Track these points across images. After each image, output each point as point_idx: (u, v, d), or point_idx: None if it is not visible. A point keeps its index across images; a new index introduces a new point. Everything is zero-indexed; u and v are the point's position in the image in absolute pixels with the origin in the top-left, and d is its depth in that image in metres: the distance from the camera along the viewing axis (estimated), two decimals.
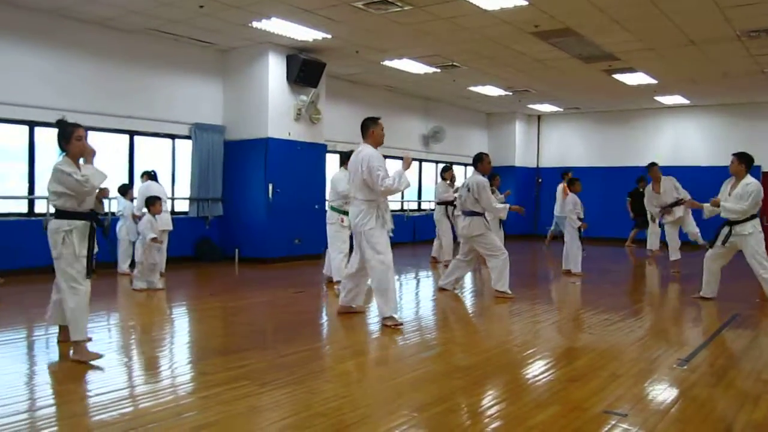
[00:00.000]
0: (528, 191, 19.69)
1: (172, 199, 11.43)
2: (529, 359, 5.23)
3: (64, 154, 4.87)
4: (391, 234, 6.51)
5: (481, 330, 6.58)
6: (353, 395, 4.15)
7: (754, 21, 9.33)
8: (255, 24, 10.02)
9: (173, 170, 11.71)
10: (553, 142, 20.13)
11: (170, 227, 9.30)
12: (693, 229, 11.00)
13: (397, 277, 9.66)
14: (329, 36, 10.54)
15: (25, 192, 9.67)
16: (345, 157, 8.67)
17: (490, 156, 8.54)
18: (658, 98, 16.29)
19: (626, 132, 18.52)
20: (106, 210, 9.23)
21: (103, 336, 5.84)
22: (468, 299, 8.43)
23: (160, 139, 11.39)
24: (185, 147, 11.71)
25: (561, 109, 18.84)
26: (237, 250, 11.72)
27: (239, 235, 11.86)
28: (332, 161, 12.56)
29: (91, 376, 4.50)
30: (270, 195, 11.51)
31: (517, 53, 11.58)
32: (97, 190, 4.99)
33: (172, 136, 11.53)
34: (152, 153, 11.31)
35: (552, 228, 15.48)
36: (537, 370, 4.91)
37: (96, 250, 5.06)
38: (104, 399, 3.99)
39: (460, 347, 5.69)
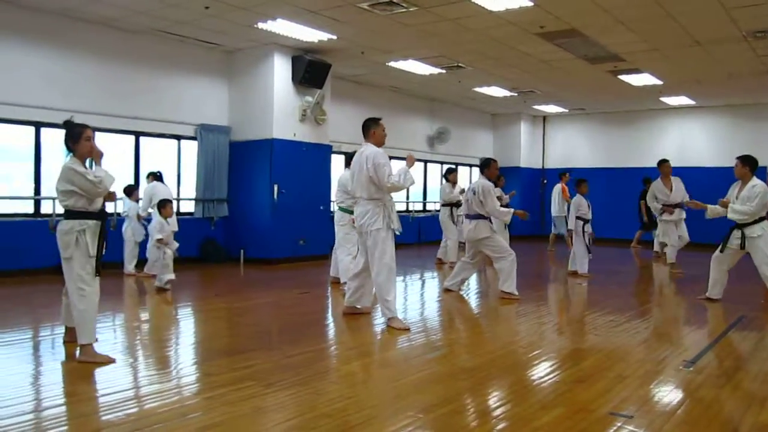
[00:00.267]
0: (533, 192, 19.66)
1: (178, 200, 11.45)
2: (535, 360, 5.22)
3: (71, 154, 4.88)
4: (398, 233, 6.50)
5: (486, 331, 6.58)
6: (358, 396, 4.15)
7: (760, 21, 9.29)
8: (260, 25, 10.03)
9: (179, 171, 11.73)
10: (559, 143, 20.10)
11: (175, 228, 9.32)
12: (684, 235, 11.05)
13: (402, 278, 9.69)
14: (334, 37, 10.55)
15: (31, 192, 9.70)
16: (350, 158, 8.67)
17: (496, 157, 8.54)
18: (664, 99, 16.24)
19: (631, 133, 18.47)
20: (111, 211, 9.27)
21: (109, 336, 5.85)
22: (473, 300, 8.42)
23: (166, 140, 11.41)
24: (191, 148, 11.73)
25: (566, 110, 18.80)
26: (242, 251, 11.73)
27: (244, 236, 11.87)
28: (337, 162, 12.56)
29: (97, 377, 4.52)
30: (275, 196, 11.51)
31: (523, 54, 11.56)
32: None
33: (178, 137, 11.55)
34: (158, 154, 11.33)
35: (554, 229, 15.44)
36: (543, 371, 4.90)
37: (104, 252, 5.06)
38: (110, 399, 4.00)
39: (466, 348, 5.69)
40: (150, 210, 9.67)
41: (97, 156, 4.93)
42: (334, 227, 8.83)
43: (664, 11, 8.88)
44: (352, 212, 8.23)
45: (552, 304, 8.17)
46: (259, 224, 11.69)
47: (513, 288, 7.96)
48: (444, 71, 13.08)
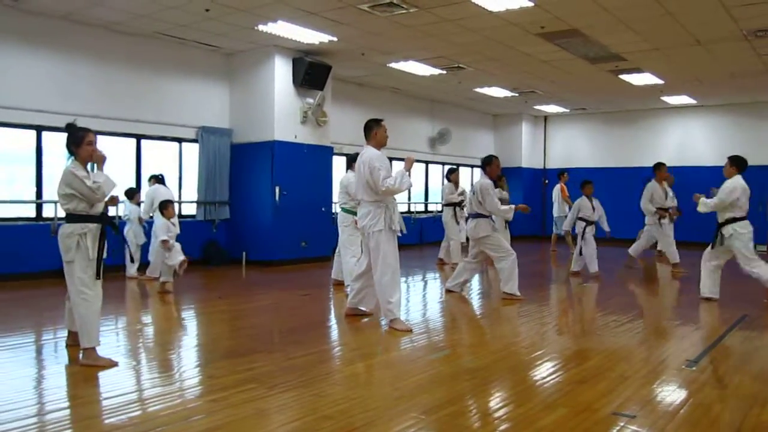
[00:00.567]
0: (535, 192, 19.66)
1: (179, 202, 11.46)
2: (538, 361, 5.22)
3: (73, 158, 4.89)
4: (400, 234, 6.50)
5: (488, 332, 6.57)
6: (361, 398, 4.15)
7: (761, 20, 9.29)
8: (261, 27, 10.04)
9: (180, 174, 11.75)
10: (560, 143, 20.09)
11: (177, 230, 9.32)
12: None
13: (404, 279, 9.68)
14: (335, 39, 10.56)
15: (32, 196, 9.71)
16: (352, 160, 8.69)
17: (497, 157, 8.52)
18: (665, 98, 16.24)
19: (633, 132, 18.47)
20: (113, 214, 9.27)
21: (112, 339, 5.86)
22: (476, 301, 8.42)
23: (167, 142, 11.43)
24: (192, 150, 11.75)
25: (567, 110, 18.80)
26: (244, 253, 11.73)
27: (246, 238, 11.88)
28: (339, 164, 12.58)
29: (100, 380, 4.52)
30: (277, 198, 11.52)
31: (523, 54, 11.57)
32: (107, 198, 5.02)
33: (179, 140, 11.57)
34: (159, 156, 11.34)
35: (555, 230, 15.43)
36: (545, 371, 4.90)
37: (105, 255, 5.06)
38: (113, 402, 4.01)
39: (468, 349, 5.69)
40: (152, 213, 9.68)
41: (99, 160, 4.93)
42: (336, 229, 8.84)
43: (665, 11, 8.88)
44: (355, 213, 8.26)
45: (554, 305, 8.16)
46: (261, 226, 11.69)
47: (515, 289, 7.97)
48: (444, 72, 13.08)
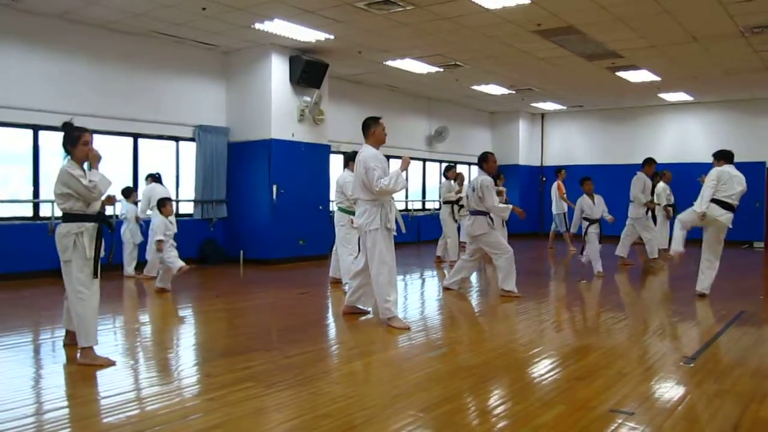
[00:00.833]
0: (532, 189, 19.68)
1: (177, 201, 11.45)
2: (535, 358, 5.22)
3: (69, 157, 4.88)
4: (395, 233, 6.48)
5: (486, 329, 6.58)
6: (359, 396, 4.15)
7: (758, 17, 9.30)
8: (257, 25, 10.03)
9: (177, 172, 11.73)
10: (557, 141, 20.11)
11: (175, 229, 9.30)
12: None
13: (401, 277, 9.69)
14: (332, 37, 10.55)
15: (29, 196, 9.70)
16: (349, 158, 8.69)
17: (495, 155, 8.51)
18: (662, 95, 16.25)
19: (630, 129, 18.49)
20: (110, 213, 9.26)
21: (110, 339, 5.86)
22: (473, 299, 8.43)
23: (164, 141, 11.41)
24: (189, 149, 11.74)
25: (564, 107, 18.81)
26: (242, 252, 11.73)
27: (244, 237, 11.87)
28: (336, 162, 12.57)
29: (98, 380, 4.52)
30: (274, 196, 11.52)
31: (520, 52, 11.57)
32: (104, 197, 5.02)
33: (176, 139, 11.55)
34: (156, 155, 11.33)
35: (553, 227, 15.43)
36: (543, 369, 4.91)
37: (102, 254, 5.05)
38: (111, 402, 4.00)
39: (466, 347, 5.69)
40: (149, 212, 9.68)
41: (94, 159, 4.92)
42: (333, 227, 8.83)
43: (661, 8, 8.88)
44: (351, 212, 8.28)
45: (552, 302, 8.17)
46: (259, 225, 11.69)
47: (513, 286, 7.97)
48: (441, 70, 13.08)
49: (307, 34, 10.45)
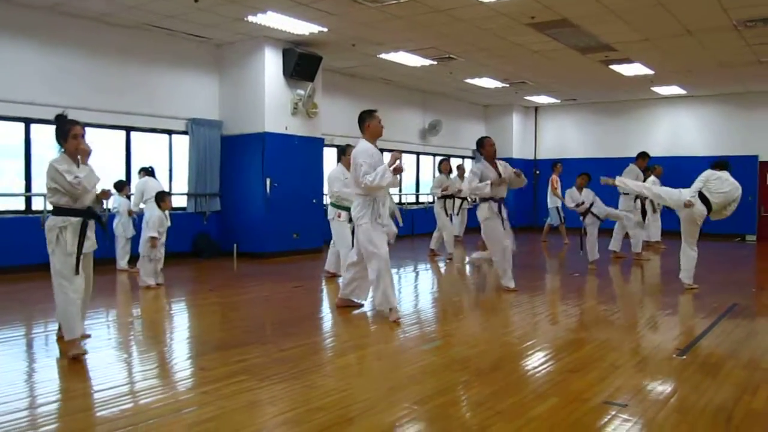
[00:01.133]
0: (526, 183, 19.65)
1: (170, 194, 11.36)
2: (529, 351, 5.24)
3: (62, 150, 4.86)
4: (394, 229, 6.46)
5: (480, 322, 6.58)
6: (353, 389, 4.16)
7: (751, 10, 9.30)
8: (250, 18, 9.98)
9: (170, 166, 11.68)
10: (551, 134, 20.11)
11: (168, 223, 9.28)
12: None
13: (395, 270, 9.68)
14: (325, 29, 10.51)
15: (21, 189, 9.65)
16: (341, 152, 8.68)
17: None
18: (655, 89, 16.27)
19: (623, 123, 18.50)
20: (104, 207, 9.20)
21: (103, 332, 5.84)
22: (468, 292, 8.44)
23: (157, 134, 11.36)
24: (182, 142, 11.69)
25: (558, 101, 18.82)
26: (235, 245, 11.69)
27: (237, 230, 11.84)
28: (330, 155, 12.55)
29: (91, 373, 4.51)
30: (268, 190, 11.49)
31: (514, 45, 11.55)
32: (98, 192, 5.00)
33: (169, 132, 11.50)
34: (149, 149, 11.28)
35: (548, 220, 15.45)
36: (537, 361, 4.92)
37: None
38: (104, 395, 3.99)
39: (460, 340, 5.70)
40: (142, 205, 9.64)
41: (83, 154, 4.87)
42: (326, 220, 8.82)
43: (655, 0, 8.88)
44: (340, 207, 8.28)
45: (546, 295, 8.19)
46: (252, 218, 11.66)
47: (509, 282, 7.94)
48: (435, 63, 13.05)
49: (300, 27, 10.40)
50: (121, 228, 9.69)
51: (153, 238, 8.23)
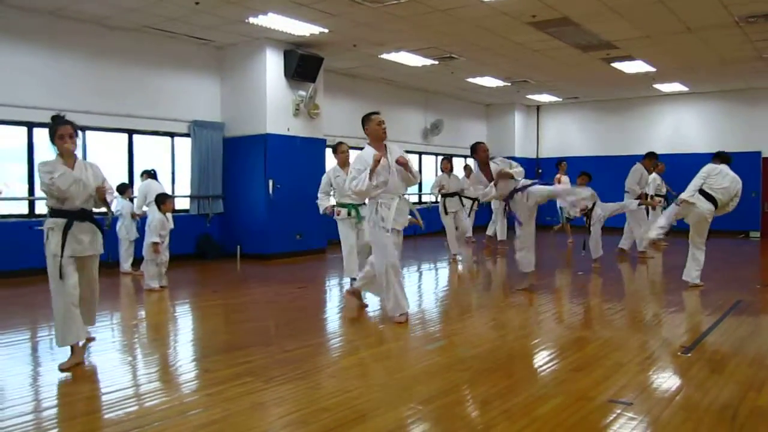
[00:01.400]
0: None
1: (173, 197, 11.39)
2: (534, 349, 5.23)
3: (58, 152, 4.82)
4: (396, 227, 6.34)
5: (485, 321, 6.57)
6: (358, 390, 4.15)
7: (752, 6, 9.28)
8: (251, 20, 9.99)
9: (173, 168, 11.69)
10: (553, 132, 20.10)
11: (172, 225, 9.29)
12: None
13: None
14: (326, 30, 10.51)
15: (25, 193, 9.66)
16: (333, 150, 8.72)
17: (490, 147, 8.49)
18: (657, 86, 16.24)
19: (625, 120, 18.48)
20: (110, 209, 9.19)
21: (107, 335, 5.85)
22: (472, 291, 8.43)
23: (159, 137, 11.37)
24: (184, 145, 11.70)
25: (560, 99, 18.80)
26: (239, 247, 11.71)
27: (240, 232, 11.85)
28: (332, 156, 12.51)
29: (97, 377, 4.51)
30: (270, 191, 11.50)
31: (515, 44, 11.54)
32: (95, 190, 4.82)
33: (171, 134, 11.51)
34: (151, 151, 11.29)
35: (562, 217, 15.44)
36: (541, 360, 4.92)
37: (97, 251, 4.93)
38: (109, 398, 4.00)
39: (464, 339, 5.69)
40: (145, 208, 9.64)
41: (66, 154, 4.75)
42: (330, 220, 8.81)
43: None
44: (341, 205, 8.25)
45: (549, 293, 8.17)
46: (255, 220, 11.67)
47: (525, 284, 7.94)
48: (436, 62, 13.05)
49: (301, 28, 10.41)
50: (125, 231, 9.70)
51: (155, 244, 8.22)
